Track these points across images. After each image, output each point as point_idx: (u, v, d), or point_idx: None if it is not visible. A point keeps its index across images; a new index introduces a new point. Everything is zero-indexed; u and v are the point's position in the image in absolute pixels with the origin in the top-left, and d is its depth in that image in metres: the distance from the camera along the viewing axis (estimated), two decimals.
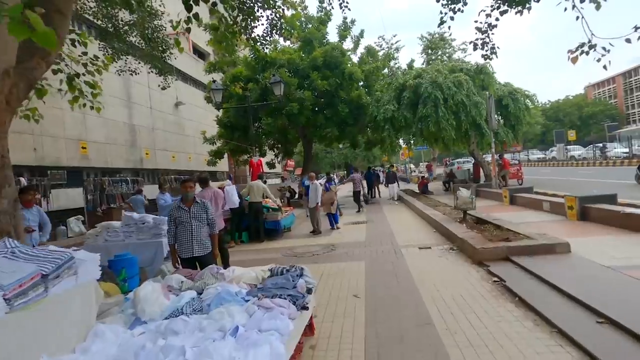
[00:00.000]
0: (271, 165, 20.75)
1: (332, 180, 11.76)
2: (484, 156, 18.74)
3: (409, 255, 6.08)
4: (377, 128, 16.22)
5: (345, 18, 18.14)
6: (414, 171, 44.92)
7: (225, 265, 6.10)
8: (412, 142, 15.22)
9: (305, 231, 9.78)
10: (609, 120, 56.27)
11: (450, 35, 32.22)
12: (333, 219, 9.89)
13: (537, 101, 16.93)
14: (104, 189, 11.63)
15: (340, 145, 34.38)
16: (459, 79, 14.42)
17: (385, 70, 20.56)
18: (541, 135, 60.54)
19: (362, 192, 13.96)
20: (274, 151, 20.69)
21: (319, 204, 9.33)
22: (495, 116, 13.37)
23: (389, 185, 16.73)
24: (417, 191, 17.88)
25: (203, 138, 18.04)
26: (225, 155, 20.28)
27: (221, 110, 17.55)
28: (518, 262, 4.78)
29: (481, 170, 18.71)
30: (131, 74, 10.09)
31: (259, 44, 9.00)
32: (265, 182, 19.59)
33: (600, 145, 28.93)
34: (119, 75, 10.05)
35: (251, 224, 8.99)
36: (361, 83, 18.63)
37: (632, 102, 70.38)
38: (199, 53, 24.58)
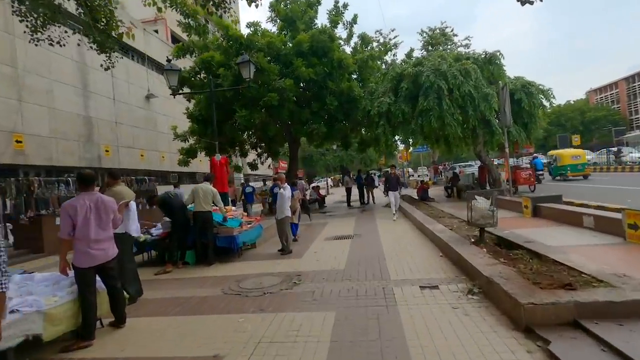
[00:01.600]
0: (253, 166, 18.55)
1: (295, 186, 10.15)
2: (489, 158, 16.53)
3: (406, 302, 3.91)
4: (371, 124, 14.09)
5: (336, 1, 16.09)
6: (412, 175, 42.86)
7: (118, 316, 3.93)
8: (410, 140, 12.93)
9: (274, 249, 7.61)
10: (612, 126, 54.57)
11: (452, 30, 30.40)
12: (294, 228, 8.53)
13: (553, 96, 14.80)
14: (31, 191, 9.42)
15: (335, 147, 32.30)
16: (465, 67, 12.33)
17: (383, 66, 18.48)
18: (543, 139, 58.74)
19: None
20: (256, 150, 18.52)
21: (289, 215, 7.18)
22: (510, 111, 11.27)
23: (390, 192, 11.37)
24: (416, 197, 15.76)
25: (174, 134, 15.85)
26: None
27: (192, 102, 15.43)
28: (603, 336, 2.63)
29: (487, 174, 16.64)
30: (51, 44, 7.89)
31: (211, 3, 6.94)
32: (244, 185, 17.45)
33: (615, 149, 26.88)
34: (35, 45, 7.85)
35: (198, 241, 6.80)
36: (355, 76, 16.59)
37: (636, 107, 68.74)
38: (178, 42, 22.44)
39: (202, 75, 13.93)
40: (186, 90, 15.05)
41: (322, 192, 21.24)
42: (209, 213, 6.70)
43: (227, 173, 9.52)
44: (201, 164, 18.91)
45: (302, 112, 14.28)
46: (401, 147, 30.18)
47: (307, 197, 14.14)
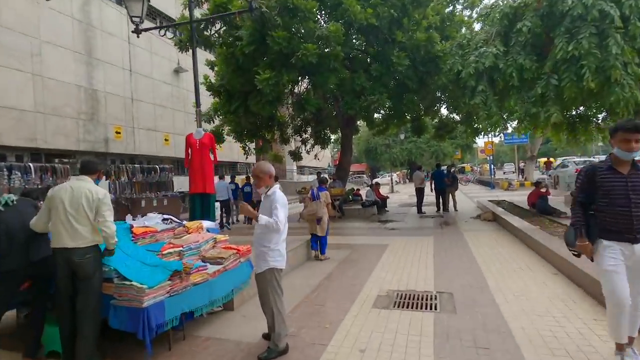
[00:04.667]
0: (296, 155, 14.63)
1: (324, 184, 6.81)
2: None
3: None
4: (461, 93, 9.17)
5: None
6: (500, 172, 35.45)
7: None
8: (540, 111, 7.57)
9: (262, 321, 3.46)
10: None
11: None
12: (319, 244, 6.20)
13: None
14: None
15: (402, 136, 27.07)
16: None
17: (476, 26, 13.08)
18: None
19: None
20: (300, 135, 14.61)
21: (281, 265, 2.99)
22: None
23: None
24: (527, 207, 10.47)
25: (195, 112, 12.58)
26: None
27: (215, 68, 11.89)
28: None
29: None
30: None
31: None
32: (276, 180, 13.53)
33: None
34: None
35: (64, 312, 2.93)
36: (431, 29, 11.62)
37: None
38: None
39: (218, 27, 10.30)
40: (210, 55, 11.63)
41: (384, 191, 16.63)
42: (85, 253, 2.78)
43: (213, 161, 5.67)
44: (239, 151, 15.15)
45: (356, 77, 9.89)
46: (483, 139, 23.85)
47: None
